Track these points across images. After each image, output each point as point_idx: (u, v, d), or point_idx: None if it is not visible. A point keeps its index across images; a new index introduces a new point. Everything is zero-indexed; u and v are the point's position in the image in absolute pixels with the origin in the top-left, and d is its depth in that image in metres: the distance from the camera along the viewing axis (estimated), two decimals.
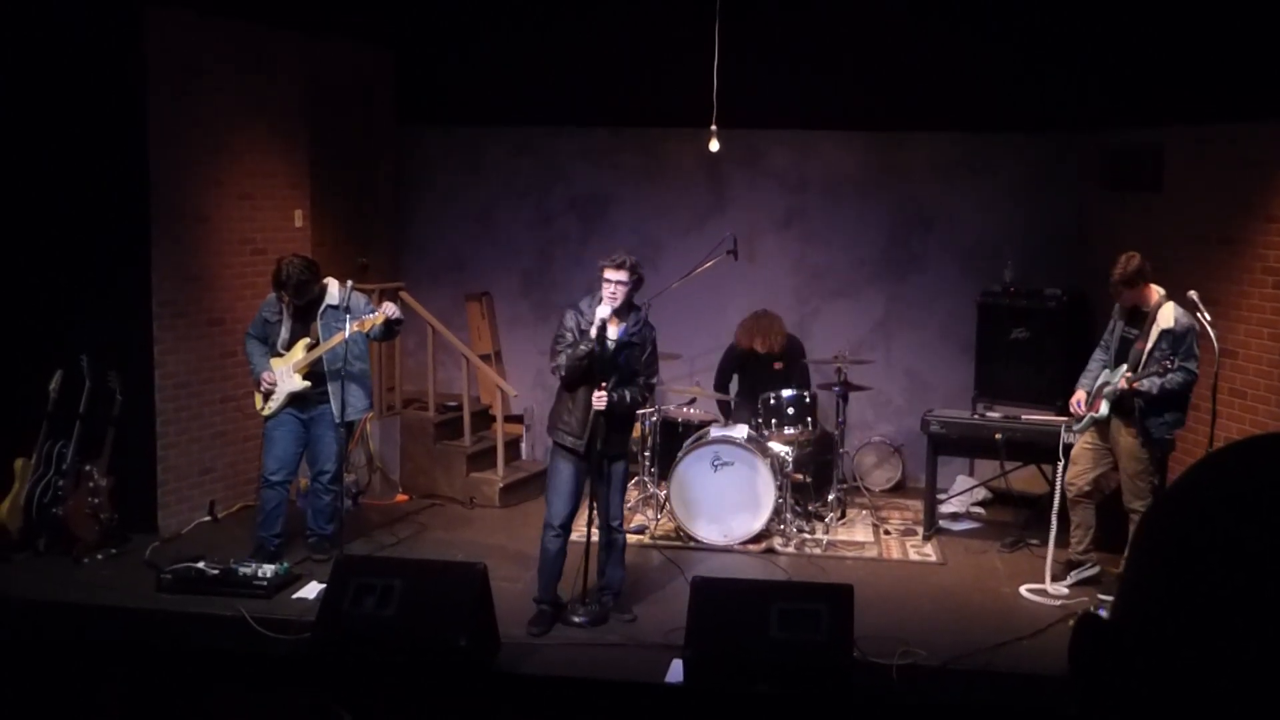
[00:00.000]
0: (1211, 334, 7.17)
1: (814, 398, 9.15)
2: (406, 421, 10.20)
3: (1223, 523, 0.94)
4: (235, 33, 9.04)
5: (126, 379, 8.26)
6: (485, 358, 10.68)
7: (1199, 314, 7.25)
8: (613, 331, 7.00)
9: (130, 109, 8.37)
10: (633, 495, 9.57)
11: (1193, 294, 7.31)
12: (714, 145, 8.92)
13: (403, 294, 9.91)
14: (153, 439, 8.62)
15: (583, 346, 6.88)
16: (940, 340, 10.72)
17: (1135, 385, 7.37)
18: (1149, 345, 7.41)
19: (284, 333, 7.97)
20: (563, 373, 7.02)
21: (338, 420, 8.00)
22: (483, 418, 10.55)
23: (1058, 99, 9.98)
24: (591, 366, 6.91)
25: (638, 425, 9.52)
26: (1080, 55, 9.75)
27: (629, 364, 7.07)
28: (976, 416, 9.22)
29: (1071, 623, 6.72)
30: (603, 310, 6.88)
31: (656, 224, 10.92)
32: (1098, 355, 7.90)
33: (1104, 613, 1.07)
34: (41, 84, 8.37)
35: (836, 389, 9.21)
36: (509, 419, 10.52)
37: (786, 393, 9.04)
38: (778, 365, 9.69)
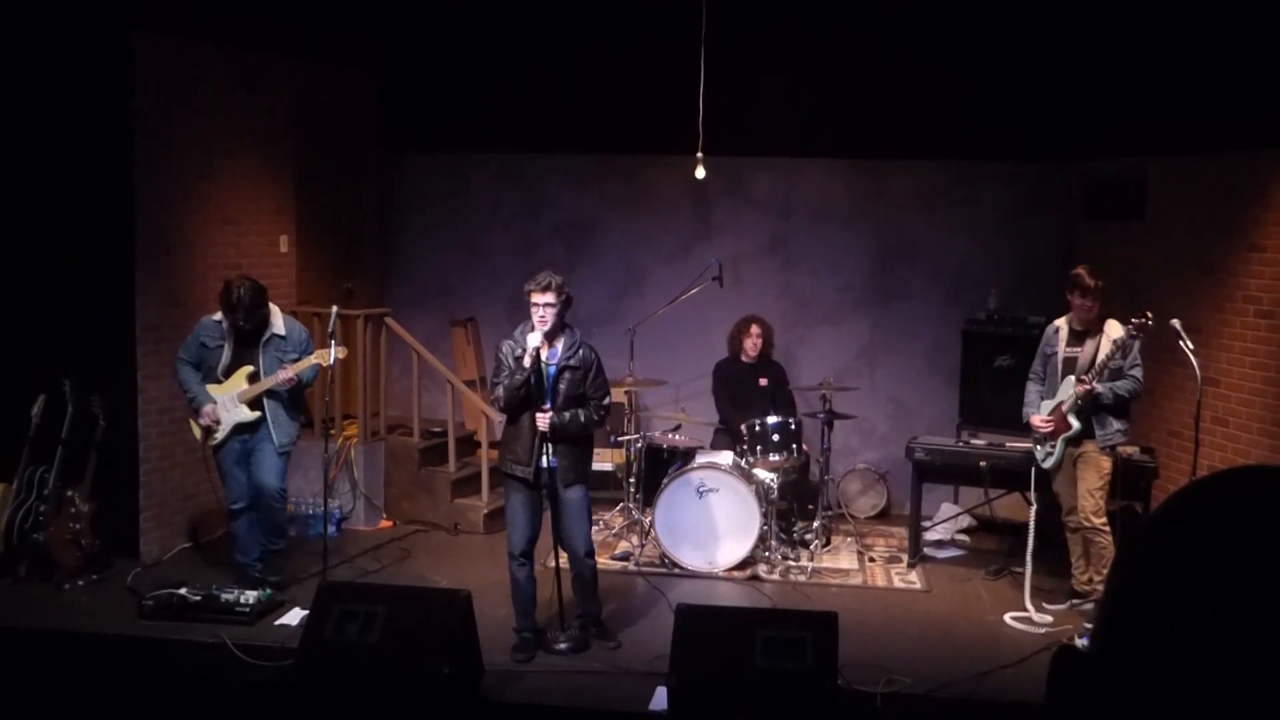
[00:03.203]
0: (1194, 362, 7.20)
1: (799, 424, 9.15)
2: (391, 447, 10.17)
3: (1198, 557, 0.95)
4: (222, 58, 9.05)
5: (109, 404, 8.23)
6: (470, 383, 10.67)
7: (1182, 341, 7.28)
8: (546, 356, 6.94)
9: (116, 133, 8.36)
10: (617, 521, 9.57)
11: (1175, 322, 7.35)
12: (699, 172, 8.96)
13: (388, 320, 9.92)
14: (135, 464, 8.58)
15: (518, 376, 6.83)
16: (925, 367, 10.74)
17: (1094, 385, 7.43)
18: (1101, 355, 7.48)
19: (225, 358, 7.77)
20: (501, 405, 7.00)
21: (289, 445, 7.93)
22: (467, 443, 10.54)
23: (1043, 128, 10.04)
24: (529, 394, 6.87)
25: (622, 451, 9.54)
26: (1065, 85, 9.82)
27: (571, 388, 6.97)
28: (961, 444, 9.24)
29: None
30: (534, 338, 6.80)
31: (642, 250, 10.95)
32: (1034, 387, 7.97)
33: (1084, 641, 1.07)
34: (27, 108, 8.38)
35: (821, 416, 9.21)
36: (494, 445, 10.48)
37: (772, 419, 9.04)
38: (763, 381, 9.74)
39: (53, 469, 8.13)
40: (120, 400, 8.40)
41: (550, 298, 6.82)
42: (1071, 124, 9.94)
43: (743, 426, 9.11)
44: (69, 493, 8.14)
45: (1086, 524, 7.62)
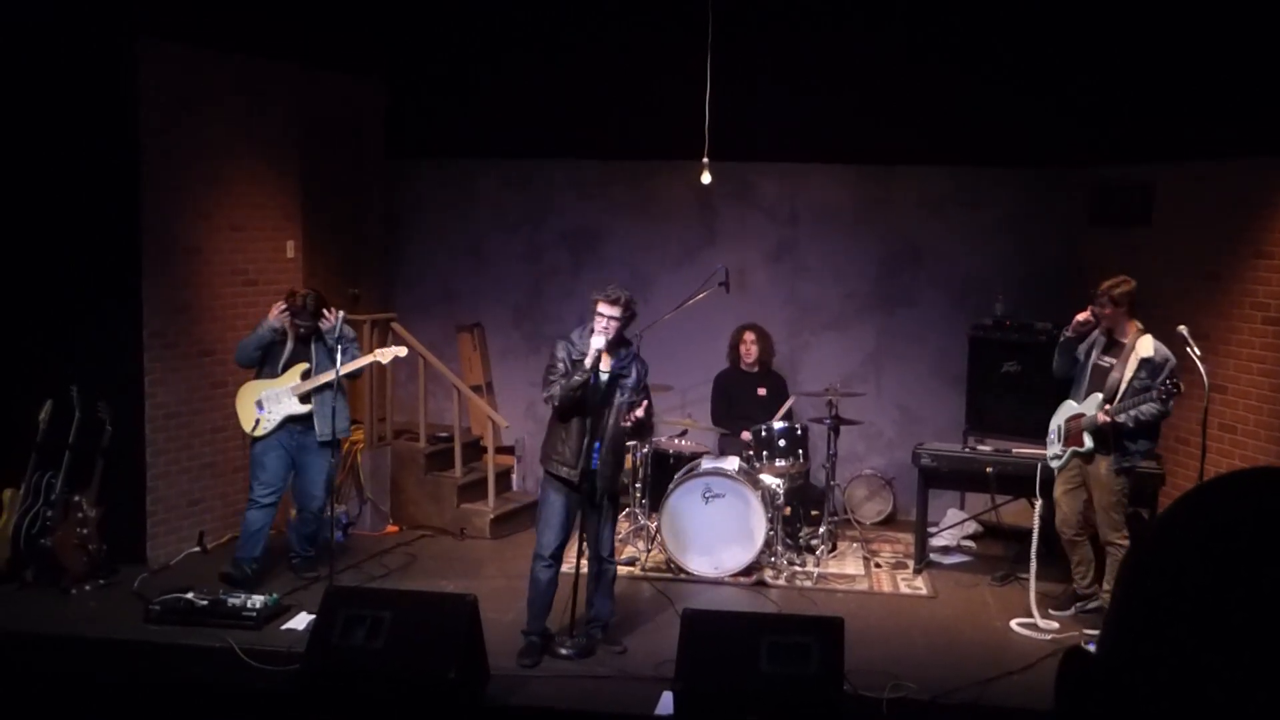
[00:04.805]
0: (1201, 369, 7.18)
1: (805, 430, 9.16)
2: (397, 452, 10.19)
3: (1201, 561, 0.95)
4: (228, 65, 9.07)
5: (116, 409, 8.24)
6: (476, 389, 10.68)
7: (1189, 348, 7.27)
8: (605, 364, 7.01)
9: (122, 140, 8.38)
10: (624, 527, 9.56)
11: (1182, 329, 7.34)
12: (705, 178, 8.96)
13: (394, 325, 9.93)
14: (142, 470, 8.59)
15: (577, 377, 6.89)
16: (931, 373, 10.73)
17: (1116, 418, 7.40)
18: (1128, 374, 7.44)
19: (286, 353, 8.16)
20: (556, 403, 7.03)
21: (329, 437, 8.16)
22: (474, 449, 10.54)
23: (1049, 134, 10.04)
24: (585, 398, 6.93)
25: (629, 457, 9.55)
26: (1072, 91, 9.81)
27: (620, 397, 7.07)
28: (967, 450, 9.23)
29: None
30: (598, 341, 6.90)
31: (647, 256, 10.95)
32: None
33: (1092, 647, 1.07)
34: (34, 115, 8.39)
35: (828, 421, 9.21)
36: (500, 450, 10.51)
37: (778, 425, 9.06)
38: (761, 391, 9.77)
39: (60, 474, 8.14)
40: (127, 406, 8.41)
41: (617, 311, 6.95)
42: (1078, 130, 9.93)
43: (747, 433, 9.15)
44: (76, 498, 8.15)
45: (1107, 540, 7.59)
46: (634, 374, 7.12)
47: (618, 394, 7.06)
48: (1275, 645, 0.89)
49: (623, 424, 7.03)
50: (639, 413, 7.03)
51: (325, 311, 8.15)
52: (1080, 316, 7.73)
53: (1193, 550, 0.97)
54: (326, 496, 8.40)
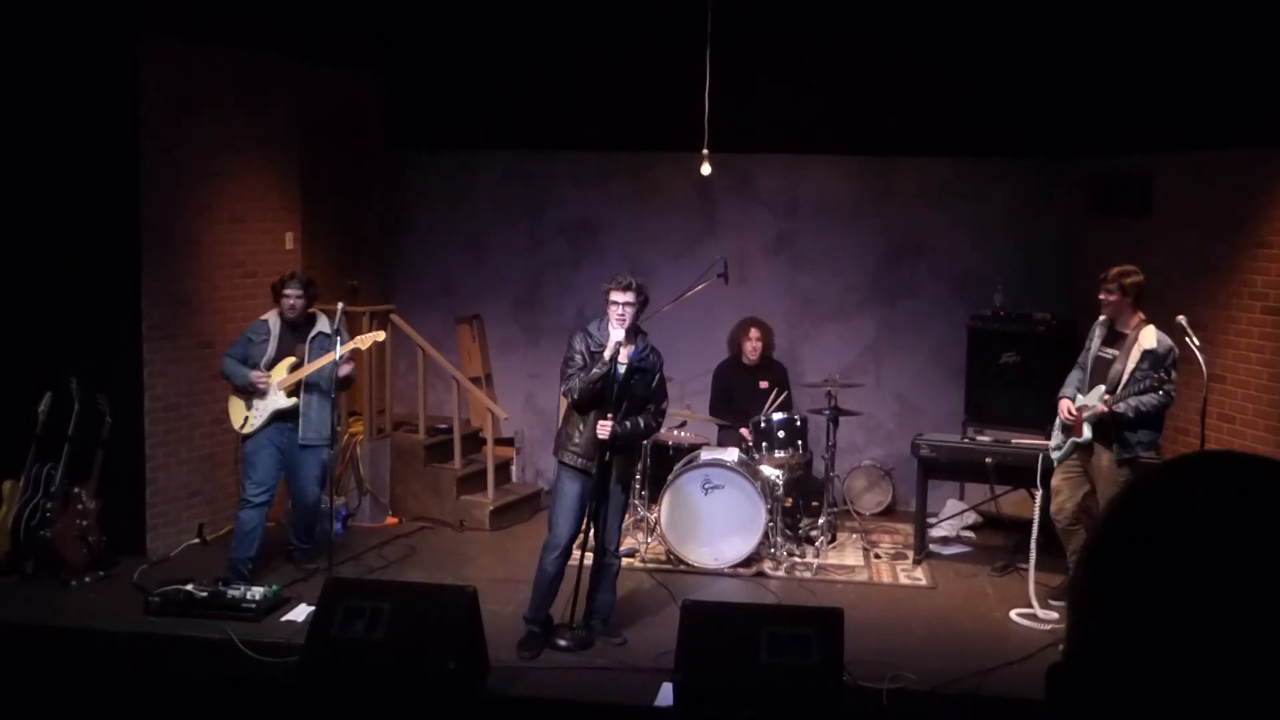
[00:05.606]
0: (1200, 359, 7.18)
1: (804, 421, 9.16)
2: (397, 444, 10.19)
3: (1157, 544, 0.95)
4: (228, 59, 9.06)
5: (116, 401, 8.25)
6: (476, 380, 10.68)
7: (1188, 338, 7.27)
8: (624, 355, 6.99)
9: (122, 133, 8.38)
10: (624, 518, 9.58)
11: (1181, 319, 7.33)
12: (705, 169, 8.96)
13: (393, 316, 9.92)
14: (141, 461, 8.60)
15: (597, 370, 6.88)
16: (930, 364, 10.73)
17: (1114, 408, 7.39)
18: (1130, 366, 7.43)
19: (270, 352, 8.07)
20: (575, 396, 6.99)
21: (310, 440, 8.11)
22: (473, 440, 10.55)
23: (1048, 125, 10.02)
24: (604, 390, 6.92)
25: None
26: (1071, 82, 9.80)
27: (639, 389, 7.06)
28: (966, 440, 9.22)
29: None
30: (617, 334, 6.89)
31: (647, 248, 10.94)
32: (1074, 374, 7.93)
33: None
34: (34, 109, 8.38)
35: (827, 412, 9.21)
36: (499, 442, 10.51)
37: (777, 416, 9.06)
38: (763, 384, 9.76)
39: (59, 466, 8.15)
40: (126, 398, 8.42)
41: (630, 297, 6.91)
42: (1078, 121, 9.91)
43: (744, 427, 9.15)
44: (75, 490, 8.16)
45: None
46: (649, 365, 7.10)
47: (634, 386, 7.03)
48: (1235, 631, 0.89)
49: (599, 435, 6.95)
50: (601, 433, 6.93)
51: (322, 312, 8.13)
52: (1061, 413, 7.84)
53: (1149, 534, 0.97)
54: (321, 490, 8.38)
